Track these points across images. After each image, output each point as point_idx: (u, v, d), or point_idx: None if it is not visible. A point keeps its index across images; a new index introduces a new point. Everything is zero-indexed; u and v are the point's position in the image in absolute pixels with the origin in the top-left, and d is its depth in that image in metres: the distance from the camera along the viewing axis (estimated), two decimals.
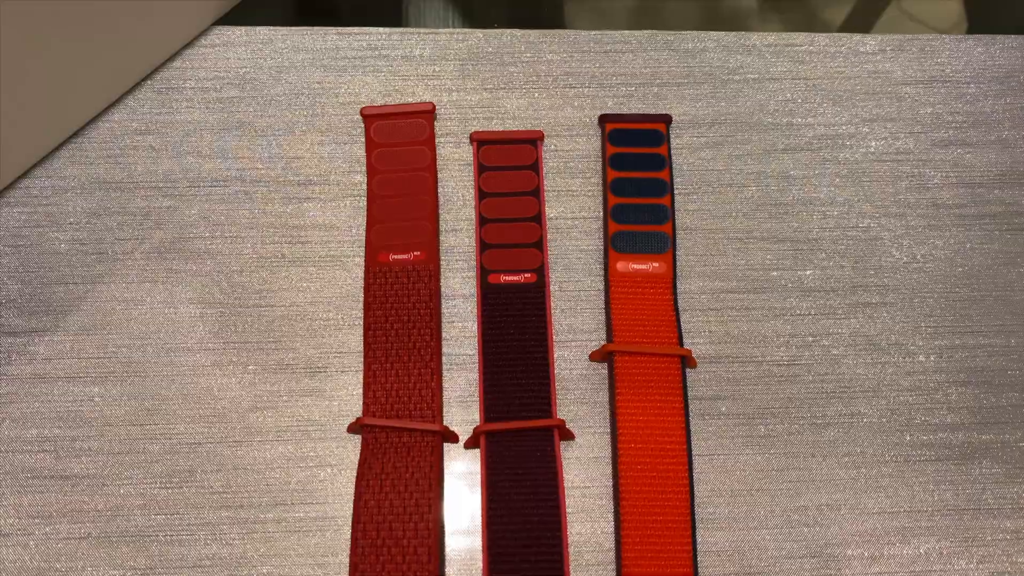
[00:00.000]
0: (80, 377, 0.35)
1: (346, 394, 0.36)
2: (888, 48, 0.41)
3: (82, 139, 0.39)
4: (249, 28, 0.41)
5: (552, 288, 0.37)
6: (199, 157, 0.39)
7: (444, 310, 0.37)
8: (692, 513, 0.34)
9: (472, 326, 0.37)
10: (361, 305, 0.37)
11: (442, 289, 0.37)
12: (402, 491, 0.32)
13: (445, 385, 0.36)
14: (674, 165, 0.39)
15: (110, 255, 0.37)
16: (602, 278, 0.38)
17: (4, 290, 0.36)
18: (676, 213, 0.38)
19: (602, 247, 0.38)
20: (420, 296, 0.36)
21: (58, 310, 0.36)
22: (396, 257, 0.37)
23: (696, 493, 0.34)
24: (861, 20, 0.45)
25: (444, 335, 0.37)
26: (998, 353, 0.37)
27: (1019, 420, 0.36)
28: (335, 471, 0.35)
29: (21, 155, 0.37)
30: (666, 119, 0.39)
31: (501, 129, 0.39)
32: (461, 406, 0.36)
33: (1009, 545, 0.34)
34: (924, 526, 0.34)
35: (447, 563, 0.33)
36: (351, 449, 0.35)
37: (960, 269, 0.38)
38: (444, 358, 0.36)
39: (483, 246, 0.37)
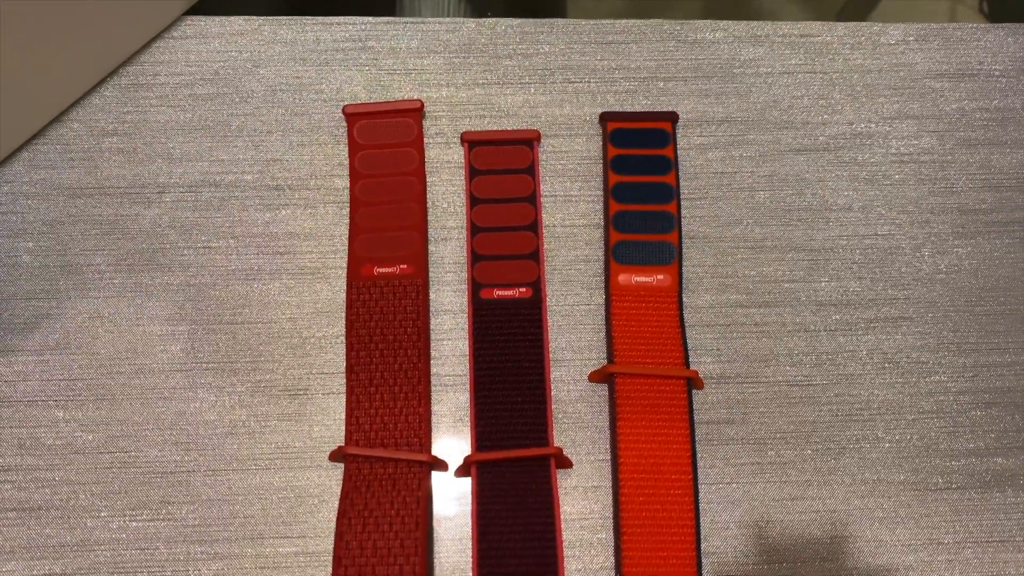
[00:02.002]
0: (43, 400, 0.33)
1: (328, 419, 0.33)
2: (911, 38, 0.38)
3: (43, 141, 0.36)
4: (223, 18, 0.37)
5: (549, 303, 0.35)
6: (170, 160, 0.36)
7: (433, 327, 0.34)
8: (698, 547, 0.32)
9: (463, 344, 0.34)
10: (343, 321, 0.34)
11: (431, 304, 0.35)
12: (386, 531, 0.30)
13: (434, 408, 0.34)
14: (680, 168, 0.36)
15: (74, 267, 0.35)
16: (602, 292, 0.35)
17: None
18: (683, 221, 0.36)
19: (603, 258, 0.35)
20: (407, 313, 0.33)
21: (19, 327, 0.34)
22: (381, 270, 0.34)
23: (702, 525, 0.32)
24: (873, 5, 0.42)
25: (433, 354, 0.34)
26: (1021, 371, 0.34)
27: None
28: (317, 502, 0.32)
29: None
30: (672, 117, 0.36)
31: (494, 129, 0.36)
32: (451, 431, 0.33)
33: None
34: (945, 559, 0.32)
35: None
36: (334, 478, 0.33)
37: (987, 280, 0.35)
38: (433, 379, 0.34)
39: (475, 258, 0.35)
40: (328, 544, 0.32)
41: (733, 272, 0.35)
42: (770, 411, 0.34)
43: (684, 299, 0.35)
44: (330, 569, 0.31)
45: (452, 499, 0.33)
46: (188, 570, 0.31)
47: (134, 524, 0.32)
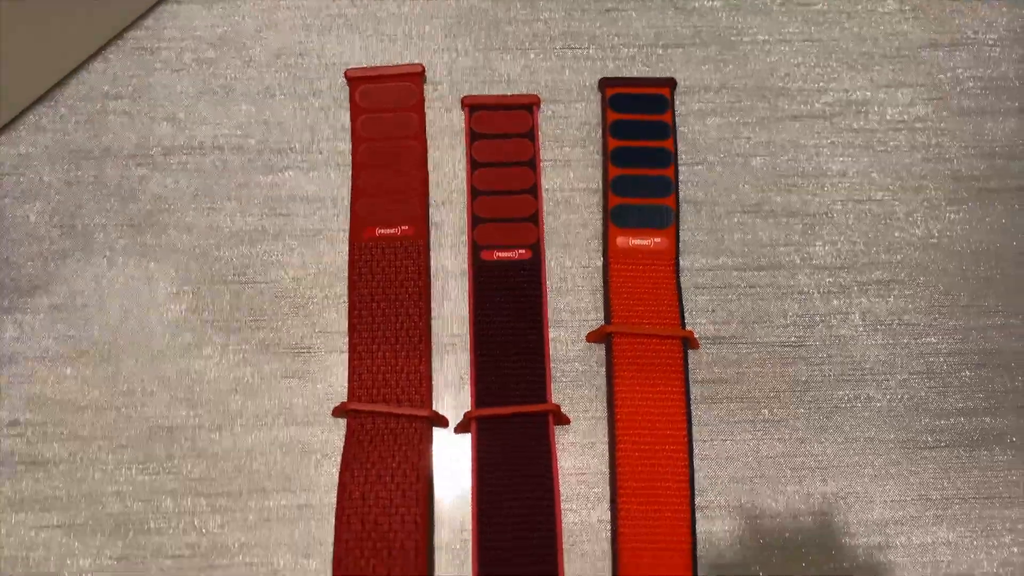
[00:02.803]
0: (51, 358, 0.34)
1: (331, 376, 0.34)
2: (907, 8, 0.39)
3: (48, 104, 0.36)
4: None
5: (548, 265, 0.35)
6: (174, 123, 0.36)
7: (434, 289, 0.35)
8: (692, 502, 0.32)
9: (463, 305, 0.35)
10: (346, 282, 0.35)
11: (432, 267, 0.35)
12: (388, 482, 0.30)
13: (435, 367, 0.34)
14: (678, 133, 0.37)
15: (81, 229, 0.35)
16: (600, 254, 0.36)
17: None
18: (680, 185, 0.36)
19: (601, 221, 0.36)
20: (408, 273, 0.34)
21: (27, 288, 0.34)
22: (383, 232, 0.35)
23: (696, 481, 0.33)
24: None
25: (434, 315, 0.35)
26: (1016, 335, 0.35)
27: None
28: (320, 457, 0.33)
29: None
30: (670, 83, 0.37)
31: (494, 94, 0.37)
32: (451, 389, 0.34)
33: (1021, 536, 0.33)
34: (933, 515, 0.33)
35: (436, 553, 0.32)
36: (336, 434, 0.33)
37: (978, 246, 0.36)
38: (434, 339, 0.34)
39: (475, 220, 0.35)
40: (331, 497, 0.32)
41: (729, 236, 0.36)
42: (764, 371, 0.34)
43: (680, 262, 0.35)
44: (333, 520, 0.31)
45: (452, 456, 0.33)
46: (193, 521, 0.32)
47: (140, 478, 0.33)
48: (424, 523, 0.30)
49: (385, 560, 0.29)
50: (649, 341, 0.34)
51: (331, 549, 0.31)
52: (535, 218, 0.35)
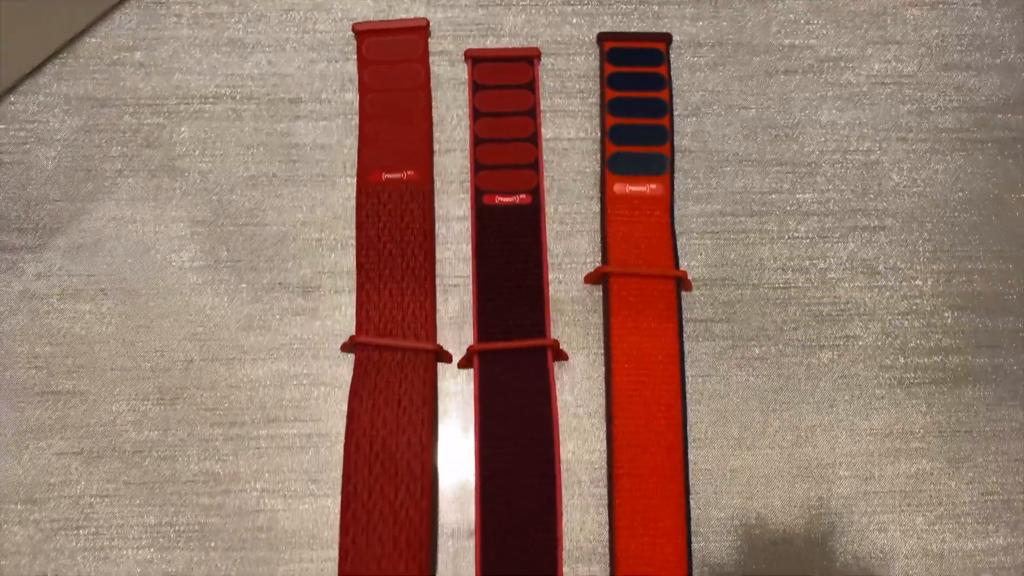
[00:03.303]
0: (71, 295, 0.35)
1: (339, 314, 0.35)
2: None
3: (68, 56, 0.38)
4: None
5: (548, 211, 0.37)
6: (188, 74, 0.38)
7: (438, 232, 0.36)
8: (684, 433, 0.34)
9: (466, 248, 0.36)
10: (353, 225, 0.36)
11: (436, 211, 0.37)
12: (395, 406, 0.32)
13: (439, 307, 0.36)
14: (673, 86, 0.38)
15: (100, 173, 0.37)
16: (598, 201, 0.37)
17: None
18: (675, 135, 0.38)
19: (599, 169, 0.37)
20: (413, 216, 0.35)
21: (48, 228, 0.36)
22: (389, 176, 0.36)
23: (688, 413, 0.34)
24: None
25: (438, 257, 0.36)
26: (996, 278, 0.36)
27: (1014, 345, 0.36)
28: (328, 389, 0.34)
29: (6, 71, 0.37)
30: (666, 38, 0.38)
31: (497, 47, 0.38)
32: (455, 327, 0.35)
33: (999, 467, 0.34)
34: (916, 447, 0.35)
35: (439, 477, 0.34)
36: (344, 368, 0.35)
37: (961, 194, 0.37)
38: (438, 280, 0.36)
39: (477, 167, 0.37)
40: (340, 426, 0.34)
41: (721, 184, 0.37)
42: (754, 311, 0.36)
43: (675, 208, 0.37)
44: (342, 447, 0.33)
45: (455, 390, 0.35)
46: (207, 449, 0.34)
47: (155, 408, 0.34)
48: (429, 444, 0.32)
49: (392, 479, 0.31)
50: (644, 281, 0.35)
51: (340, 474, 0.33)
52: (535, 165, 0.37)
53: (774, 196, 0.37)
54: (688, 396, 0.35)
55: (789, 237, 0.37)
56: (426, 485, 0.31)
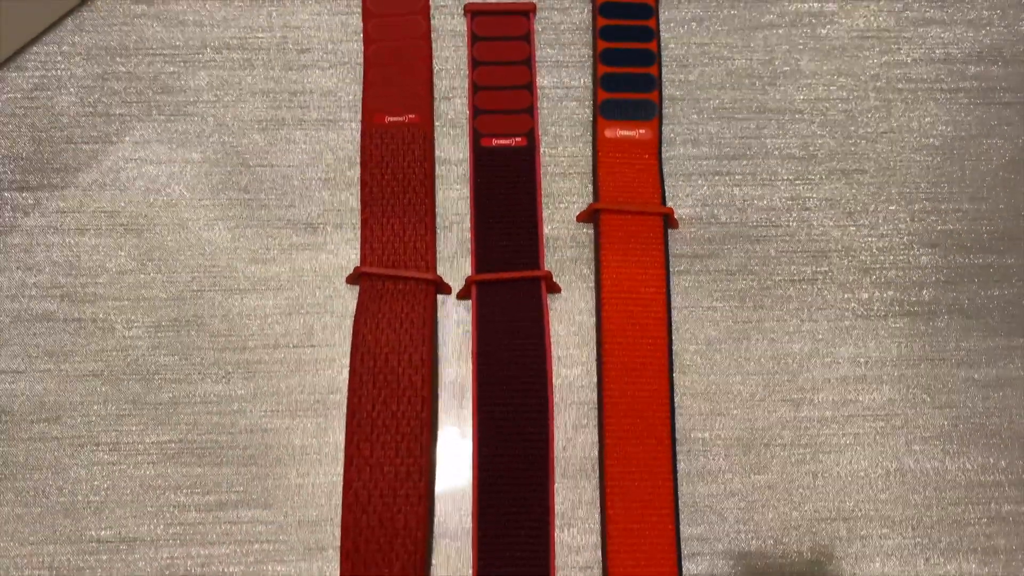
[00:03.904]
0: (90, 229, 0.37)
1: (345, 250, 0.37)
2: None
3: (87, 9, 0.40)
4: None
5: (542, 155, 0.39)
6: (202, 26, 0.40)
7: (438, 174, 0.38)
8: (670, 359, 0.36)
9: (465, 189, 0.38)
10: (357, 166, 0.38)
11: (436, 153, 0.39)
12: (397, 327, 0.34)
13: (439, 244, 0.38)
14: (661, 38, 0.40)
15: (118, 116, 0.39)
16: (590, 145, 0.39)
17: (16, 149, 0.38)
18: (663, 84, 0.40)
19: (591, 115, 0.39)
20: (415, 156, 0.37)
21: (68, 167, 0.38)
22: (392, 119, 0.38)
23: (674, 340, 0.36)
24: None
25: (438, 197, 0.38)
26: (969, 217, 0.38)
27: (986, 278, 0.38)
28: (335, 318, 0.36)
29: (29, 22, 0.39)
30: None
31: (494, 1, 0.40)
32: (454, 262, 0.37)
33: (971, 393, 0.36)
34: (891, 374, 0.36)
35: (440, 401, 0.35)
36: (349, 301, 0.37)
37: (934, 140, 0.39)
38: (438, 220, 0.38)
39: (476, 112, 0.39)
40: (344, 352, 0.36)
41: (707, 129, 0.39)
42: (737, 248, 0.38)
43: (663, 152, 0.39)
44: (347, 370, 0.35)
45: (455, 321, 0.37)
46: (217, 371, 0.36)
47: (168, 335, 0.36)
48: (430, 360, 0.33)
49: (395, 391, 0.33)
50: (633, 218, 0.37)
51: (345, 395, 0.35)
52: (530, 111, 0.39)
53: (756, 141, 0.39)
54: (674, 326, 0.37)
55: (771, 179, 0.39)
56: (426, 397, 0.33)
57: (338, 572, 0.33)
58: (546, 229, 0.38)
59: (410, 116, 0.38)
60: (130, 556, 0.34)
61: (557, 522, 0.34)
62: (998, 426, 0.36)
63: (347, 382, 0.34)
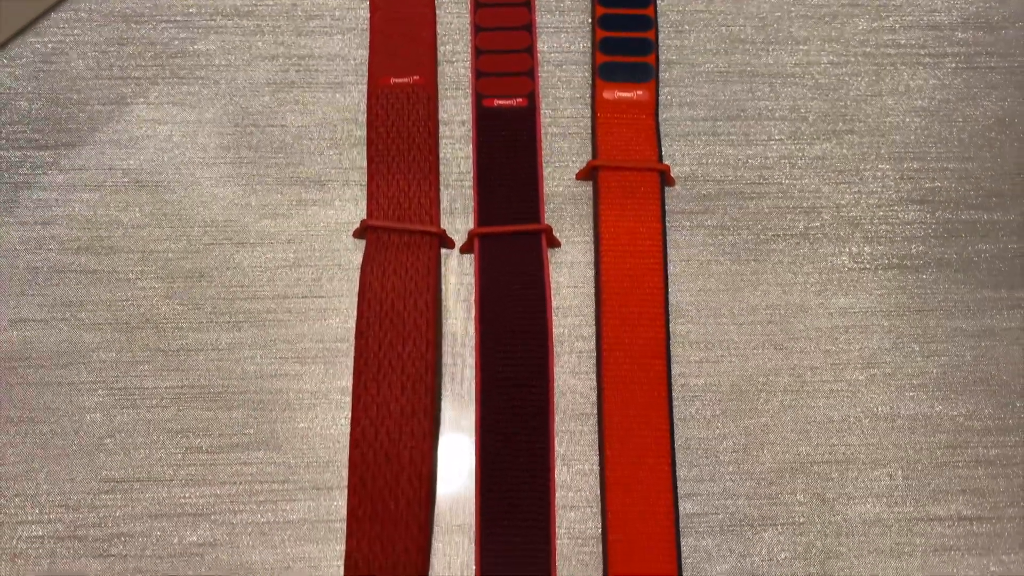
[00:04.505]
0: (106, 186, 0.38)
1: (351, 206, 0.38)
2: None
3: None
4: None
5: (543, 116, 0.40)
6: None
7: (441, 134, 0.40)
8: (666, 309, 0.37)
9: (467, 149, 0.40)
10: (363, 127, 0.39)
11: (440, 114, 0.40)
12: (403, 275, 0.35)
13: (443, 202, 0.39)
14: (658, 5, 0.42)
15: (132, 79, 0.40)
16: (589, 107, 0.40)
17: (35, 110, 0.39)
18: (660, 49, 0.41)
19: (590, 78, 0.41)
20: (419, 115, 0.39)
21: (85, 128, 0.39)
22: (397, 81, 0.39)
23: (670, 292, 0.38)
24: None
25: (441, 156, 0.39)
26: (956, 176, 0.40)
27: (973, 234, 0.39)
28: (342, 271, 0.38)
29: None
30: None
31: None
32: (457, 217, 0.39)
33: (959, 342, 0.37)
34: (881, 324, 0.38)
35: (443, 343, 0.37)
36: (356, 255, 0.38)
37: (920, 103, 0.41)
38: (442, 178, 0.39)
39: (478, 74, 0.40)
40: (352, 301, 0.37)
41: (702, 91, 0.41)
42: (731, 204, 0.39)
43: (659, 113, 0.40)
44: (353, 318, 0.36)
45: (458, 275, 0.38)
46: (228, 320, 0.37)
47: (180, 285, 0.37)
48: (434, 306, 0.35)
49: (400, 333, 0.34)
50: (631, 174, 0.39)
51: (352, 342, 0.36)
52: (531, 73, 0.40)
53: (750, 103, 0.40)
54: (670, 278, 0.38)
55: (763, 139, 0.40)
56: (431, 340, 0.34)
57: (345, 509, 0.34)
58: (546, 187, 0.39)
59: (415, 78, 0.39)
60: (143, 495, 0.35)
61: (557, 463, 0.35)
62: (985, 374, 0.37)
63: (354, 328, 0.35)
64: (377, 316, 0.34)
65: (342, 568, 0.33)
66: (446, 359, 0.37)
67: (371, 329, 0.34)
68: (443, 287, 0.38)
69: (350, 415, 0.33)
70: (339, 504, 0.35)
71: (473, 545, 0.34)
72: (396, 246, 0.37)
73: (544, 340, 0.36)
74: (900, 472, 0.36)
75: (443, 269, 0.38)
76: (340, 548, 0.34)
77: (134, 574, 0.34)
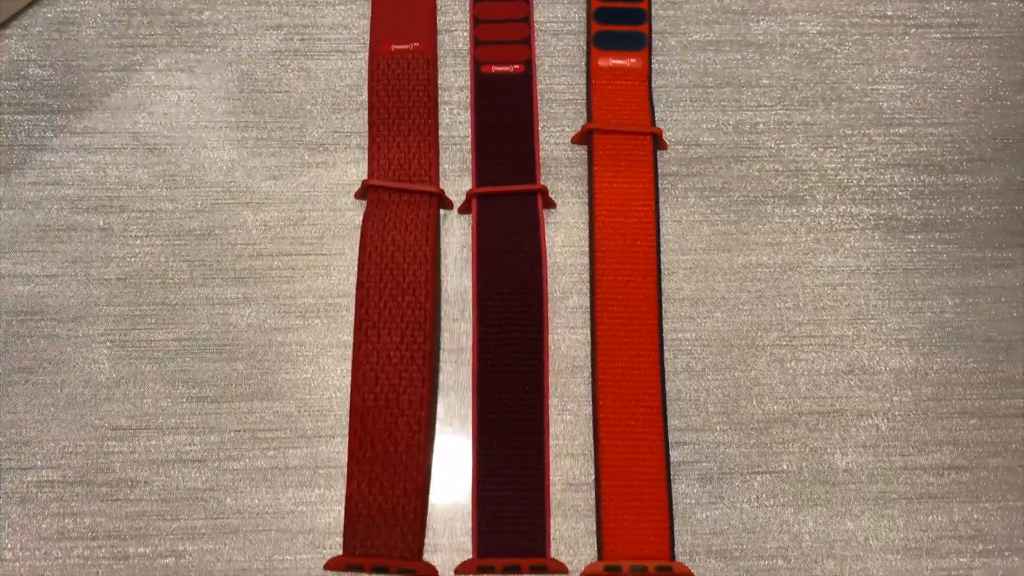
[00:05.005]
0: (115, 148, 0.40)
1: (353, 169, 0.40)
2: None
3: None
4: None
5: (539, 84, 0.41)
6: None
7: (440, 101, 0.41)
8: (658, 266, 0.38)
9: (466, 115, 0.41)
10: (365, 93, 0.41)
11: (439, 81, 0.41)
12: (403, 230, 0.36)
13: (441, 164, 0.40)
14: None
15: (142, 47, 0.41)
16: (584, 74, 0.42)
17: (48, 76, 0.41)
18: (652, 19, 0.42)
19: (585, 46, 0.42)
20: (419, 79, 0.40)
21: (95, 93, 0.40)
22: (397, 47, 0.41)
23: (662, 251, 0.39)
24: None
25: (440, 122, 0.41)
26: (941, 141, 0.41)
27: (957, 196, 0.40)
28: (344, 230, 0.39)
29: None
30: None
31: None
32: (456, 180, 0.40)
33: (943, 299, 0.38)
34: (868, 282, 0.39)
35: (442, 302, 0.38)
36: (357, 213, 0.39)
37: (906, 71, 0.42)
38: (440, 142, 0.40)
39: (476, 42, 0.41)
40: (352, 258, 0.38)
41: (694, 60, 0.42)
42: (722, 167, 0.40)
43: (653, 80, 0.41)
44: (354, 275, 0.37)
45: (456, 235, 0.39)
46: (232, 275, 0.38)
47: (187, 243, 0.38)
48: (432, 259, 0.36)
49: (400, 284, 0.35)
50: (624, 137, 0.40)
51: (353, 297, 0.37)
52: (528, 41, 0.41)
53: (741, 71, 0.42)
54: (662, 238, 0.39)
55: (753, 106, 0.41)
56: (429, 290, 0.35)
57: (345, 454, 0.35)
58: (542, 151, 0.40)
59: (415, 44, 0.41)
60: (148, 443, 0.36)
61: (552, 413, 0.36)
62: (969, 329, 0.38)
63: (355, 282, 0.36)
64: (377, 267, 0.35)
65: (343, 510, 0.34)
66: (444, 318, 0.38)
67: (371, 280, 0.35)
68: (442, 247, 0.39)
69: (351, 362, 0.34)
70: (339, 451, 0.36)
71: (470, 489, 0.35)
72: (396, 204, 0.38)
73: (539, 295, 0.37)
74: (885, 423, 0.37)
75: (442, 230, 0.39)
76: (341, 492, 0.35)
77: (140, 517, 0.35)
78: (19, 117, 0.40)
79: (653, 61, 0.42)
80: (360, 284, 0.35)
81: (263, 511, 0.35)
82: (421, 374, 0.34)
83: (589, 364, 0.37)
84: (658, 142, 0.40)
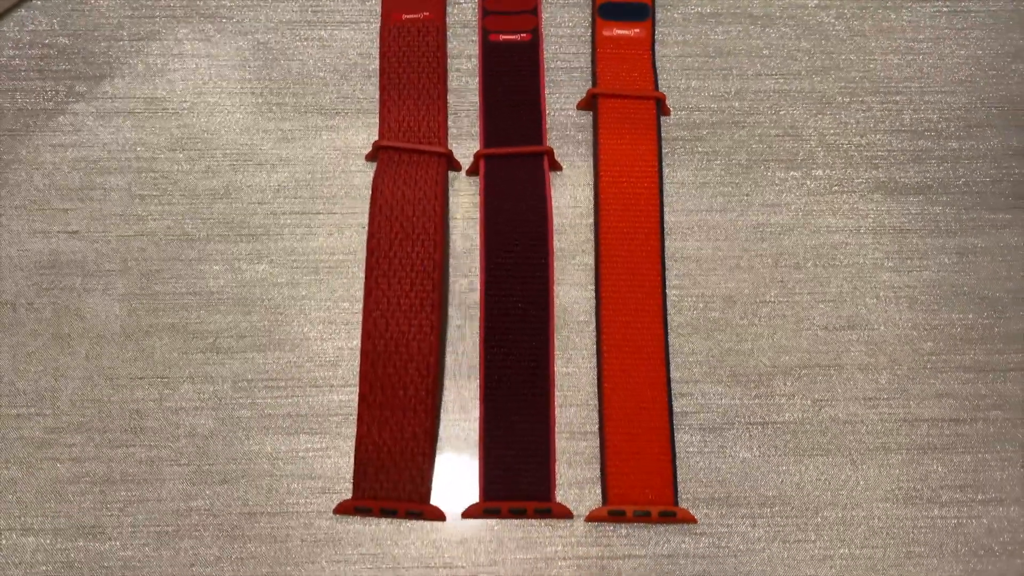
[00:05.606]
0: (134, 112, 0.41)
1: (364, 133, 0.41)
2: None
3: None
4: None
5: (546, 53, 0.42)
6: None
7: (449, 68, 0.42)
8: (661, 225, 0.39)
9: (474, 82, 0.42)
10: (375, 61, 0.42)
11: (450, 51, 0.42)
12: (413, 186, 0.37)
13: (450, 130, 0.41)
14: None
15: (160, 19, 0.43)
16: (589, 44, 0.43)
17: (68, 45, 0.42)
18: None
19: (590, 17, 0.43)
20: (428, 47, 0.41)
21: (116, 61, 0.42)
22: (408, 16, 0.42)
23: (665, 212, 0.40)
24: None
25: (449, 88, 0.42)
26: (937, 107, 0.42)
27: (953, 161, 0.41)
28: (356, 190, 0.40)
29: None
30: None
31: None
32: (464, 144, 0.41)
33: (941, 259, 0.39)
34: (866, 242, 0.39)
35: (450, 259, 0.39)
36: (368, 175, 0.40)
37: (902, 42, 0.43)
38: (449, 108, 0.41)
39: (484, 12, 0.43)
40: (364, 218, 0.39)
41: (696, 31, 0.43)
42: (724, 132, 0.41)
43: (656, 50, 0.42)
44: (365, 234, 0.38)
45: (464, 196, 0.40)
46: (247, 232, 0.39)
47: (203, 202, 0.39)
48: (441, 213, 0.37)
49: (410, 236, 0.36)
50: (628, 101, 0.41)
51: (364, 254, 0.38)
52: (535, 11, 0.43)
53: (741, 42, 0.43)
54: (665, 199, 0.40)
55: (754, 75, 0.42)
56: (438, 242, 0.36)
57: (354, 405, 0.36)
58: (548, 117, 0.41)
59: (425, 14, 0.42)
60: (165, 390, 0.37)
61: (557, 365, 0.37)
62: (967, 287, 0.39)
63: (365, 240, 0.37)
64: (388, 219, 0.36)
65: (352, 453, 0.35)
66: (452, 276, 0.39)
67: (382, 231, 0.36)
68: (450, 208, 0.40)
69: (362, 309, 0.35)
70: (349, 399, 0.36)
71: (477, 436, 0.36)
72: (407, 163, 0.39)
73: (545, 251, 0.38)
74: (885, 377, 0.38)
75: (450, 192, 0.40)
76: (350, 441, 0.36)
77: (155, 462, 0.36)
78: (42, 83, 0.41)
79: (656, 32, 0.43)
80: (371, 235, 0.36)
81: (275, 456, 0.36)
82: (430, 321, 0.35)
83: (594, 320, 0.38)
84: (661, 107, 0.41)
